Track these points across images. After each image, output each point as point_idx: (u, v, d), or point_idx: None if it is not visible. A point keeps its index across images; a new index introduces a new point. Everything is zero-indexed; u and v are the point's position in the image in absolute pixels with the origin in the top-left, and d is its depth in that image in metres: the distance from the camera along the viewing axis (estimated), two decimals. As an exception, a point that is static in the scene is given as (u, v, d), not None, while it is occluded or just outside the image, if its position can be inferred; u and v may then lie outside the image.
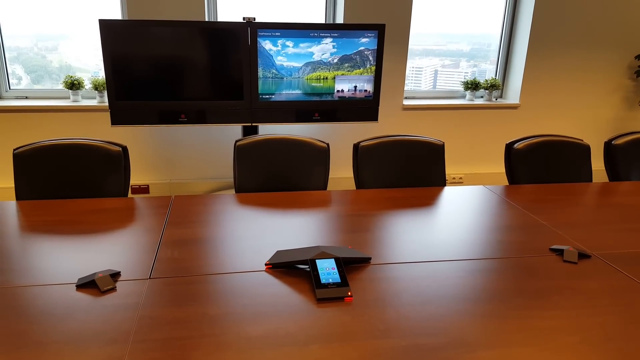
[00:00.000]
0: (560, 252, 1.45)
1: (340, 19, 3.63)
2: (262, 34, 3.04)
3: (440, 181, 2.19)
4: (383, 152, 2.16)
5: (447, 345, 1.02)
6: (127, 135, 3.61)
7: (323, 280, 1.22)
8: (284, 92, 3.18)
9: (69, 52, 3.59)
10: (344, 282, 1.22)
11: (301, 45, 3.11)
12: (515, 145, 2.26)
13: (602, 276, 1.32)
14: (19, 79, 3.55)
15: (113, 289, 1.19)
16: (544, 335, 1.07)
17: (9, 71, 3.51)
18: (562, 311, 1.15)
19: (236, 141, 2.07)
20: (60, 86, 3.61)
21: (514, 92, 4.12)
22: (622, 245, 1.52)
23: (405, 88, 4.06)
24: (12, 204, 1.71)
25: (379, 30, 3.16)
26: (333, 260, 1.29)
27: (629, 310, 1.17)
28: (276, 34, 3.06)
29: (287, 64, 3.13)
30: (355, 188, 2.12)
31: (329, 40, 3.13)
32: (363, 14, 3.59)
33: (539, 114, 4.16)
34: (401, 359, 0.98)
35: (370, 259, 1.38)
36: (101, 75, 3.63)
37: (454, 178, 4.19)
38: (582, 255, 1.44)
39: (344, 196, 1.89)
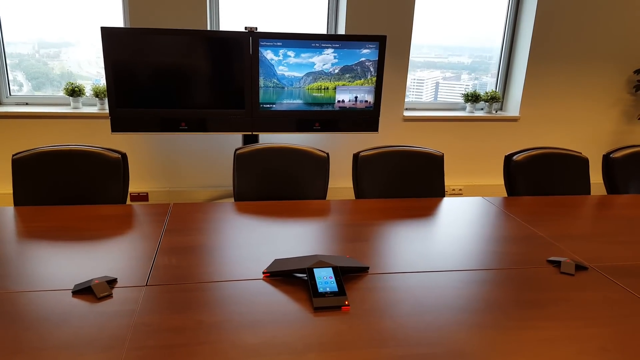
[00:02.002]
0: (557, 264, 1.45)
1: (341, 30, 3.66)
2: (263, 43, 3.06)
3: (439, 192, 2.20)
4: (383, 162, 2.16)
5: (444, 355, 1.02)
6: (127, 143, 3.62)
7: (320, 289, 1.22)
8: (284, 101, 3.20)
9: (71, 60, 3.61)
10: (341, 292, 1.22)
11: (302, 55, 3.13)
12: (514, 157, 2.26)
13: (599, 288, 1.32)
14: (20, 85, 3.57)
15: (109, 296, 1.18)
16: (540, 346, 1.06)
17: (10, 78, 3.53)
18: (558, 322, 1.15)
19: (236, 150, 2.07)
20: (61, 93, 3.63)
21: (513, 105, 4.14)
22: (619, 257, 1.52)
23: (407, 99, 4.08)
24: (10, 210, 1.71)
25: (380, 41, 3.19)
26: (331, 269, 1.29)
27: (626, 322, 1.16)
28: (278, 44, 3.08)
29: (288, 73, 3.15)
30: (354, 198, 2.13)
31: (330, 50, 3.16)
32: (364, 25, 3.62)
33: (539, 126, 4.17)
34: (398, 369, 0.97)
35: (368, 268, 1.37)
36: (102, 82, 3.65)
37: (453, 189, 4.19)
38: (580, 267, 1.43)
39: (343, 206, 1.89)
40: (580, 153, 2.33)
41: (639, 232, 1.73)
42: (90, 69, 3.66)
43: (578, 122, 4.23)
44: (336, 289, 1.22)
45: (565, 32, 3.93)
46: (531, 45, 3.90)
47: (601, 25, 3.96)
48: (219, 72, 3.06)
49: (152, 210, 1.75)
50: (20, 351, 0.98)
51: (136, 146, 3.64)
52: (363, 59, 3.21)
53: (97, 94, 3.50)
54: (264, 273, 1.33)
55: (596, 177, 4.29)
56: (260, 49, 3.07)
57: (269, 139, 3.74)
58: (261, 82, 3.13)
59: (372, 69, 3.24)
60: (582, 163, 2.31)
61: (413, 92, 4.13)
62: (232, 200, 3.64)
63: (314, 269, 1.28)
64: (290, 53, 3.11)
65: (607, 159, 2.40)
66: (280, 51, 3.10)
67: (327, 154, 2.14)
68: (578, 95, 4.14)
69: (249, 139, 3.40)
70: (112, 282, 1.24)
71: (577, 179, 2.30)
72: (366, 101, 3.29)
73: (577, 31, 3.94)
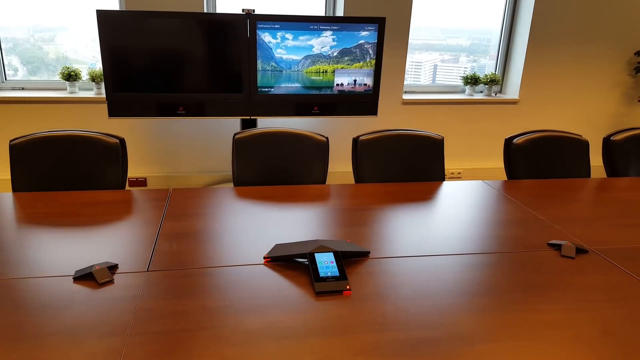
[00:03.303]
0: (558, 247, 1.45)
1: (340, 12, 3.61)
2: (261, 26, 3.02)
3: (439, 176, 2.19)
4: (382, 146, 2.15)
5: (444, 339, 1.02)
6: (125, 127, 3.59)
7: (322, 274, 1.22)
8: (283, 85, 3.17)
9: (66, 44, 3.56)
10: (342, 276, 1.22)
11: (301, 38, 3.09)
12: (515, 141, 2.25)
13: (599, 271, 1.33)
14: (15, 70, 3.53)
15: (111, 282, 1.18)
16: (541, 329, 1.07)
17: (5, 62, 3.48)
18: (559, 305, 1.16)
19: (235, 134, 2.06)
20: (57, 77, 3.59)
21: (513, 88, 4.11)
22: (619, 240, 1.52)
23: (405, 82, 4.05)
24: (8, 196, 1.70)
25: (379, 23, 3.14)
26: (332, 254, 1.29)
27: (626, 304, 1.17)
28: (275, 26, 3.04)
29: (286, 56, 3.12)
30: (354, 182, 2.12)
31: (328, 33, 3.12)
32: (363, 7, 3.57)
33: (538, 109, 4.15)
34: (399, 352, 0.98)
35: (368, 252, 1.38)
36: (98, 67, 3.61)
37: (452, 173, 4.19)
38: (580, 250, 1.44)
39: (343, 190, 1.88)
40: (580, 136, 2.32)
41: (639, 214, 1.73)
42: (86, 53, 3.61)
43: (578, 104, 4.21)
44: (337, 274, 1.23)
45: (566, 13, 3.88)
46: (531, 27, 3.86)
47: (601, 6, 3.91)
48: (216, 55, 3.03)
49: (151, 195, 1.75)
50: (23, 337, 0.98)
51: (134, 131, 3.61)
52: (362, 41, 3.17)
53: (93, 78, 3.46)
54: (264, 258, 1.33)
55: (596, 159, 4.29)
56: (257, 31, 3.02)
57: (267, 123, 3.71)
58: (259, 66, 3.09)
59: (371, 52, 3.20)
60: (582, 146, 2.31)
61: (411, 74, 4.10)
62: (232, 185, 3.63)
63: (315, 254, 1.28)
64: (289, 35, 3.07)
65: (607, 142, 2.39)
66: (278, 34, 3.05)
67: (327, 138, 2.12)
68: (578, 78, 4.11)
69: (247, 124, 3.38)
70: (113, 268, 1.24)
71: (578, 161, 2.30)
72: (365, 84, 3.27)
73: (578, 13, 3.90)
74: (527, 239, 1.51)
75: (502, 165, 4.29)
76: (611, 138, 2.37)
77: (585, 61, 4.06)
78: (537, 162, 2.26)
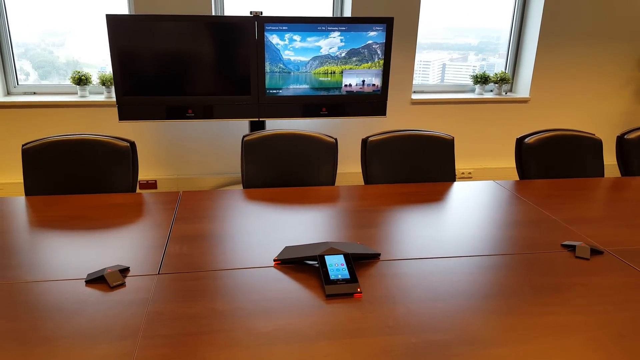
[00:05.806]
0: (572, 248, 1.43)
1: (347, 13, 3.61)
2: (269, 28, 3.02)
3: (449, 176, 2.17)
4: (392, 147, 2.14)
5: (457, 342, 1.01)
6: (135, 131, 3.62)
7: (332, 276, 1.21)
8: (291, 86, 3.17)
9: (76, 48, 3.59)
10: (353, 278, 1.21)
11: (309, 39, 3.09)
12: (526, 140, 2.23)
13: (614, 272, 1.30)
14: (27, 74, 3.57)
15: (122, 285, 1.19)
16: (555, 332, 1.05)
17: (17, 67, 3.52)
18: (574, 308, 1.14)
19: (244, 136, 2.06)
20: (68, 82, 3.62)
21: (524, 86, 4.07)
22: (635, 241, 1.49)
23: (414, 82, 4.03)
24: (21, 200, 1.72)
25: (387, 23, 3.13)
26: (342, 256, 1.28)
27: (644, 307, 1.15)
28: (283, 28, 3.04)
29: (294, 58, 3.11)
30: (363, 183, 2.11)
31: (336, 34, 3.11)
32: (371, 7, 3.56)
33: (550, 108, 4.11)
34: (411, 355, 0.97)
35: (379, 255, 1.37)
36: (108, 70, 3.64)
37: (462, 173, 4.16)
38: (595, 251, 1.42)
39: (352, 192, 1.87)
40: (593, 134, 2.29)
41: (654, 214, 1.71)
42: (96, 56, 3.64)
43: (590, 102, 4.16)
44: (348, 276, 1.22)
45: (576, 10, 3.84)
46: (541, 24, 3.82)
47: (612, 3, 3.86)
48: (224, 57, 3.03)
49: (162, 198, 1.75)
50: (35, 340, 0.98)
51: (143, 134, 3.64)
52: (370, 41, 3.16)
53: (103, 82, 3.49)
54: (275, 260, 1.32)
55: (610, 158, 4.23)
56: (265, 33, 3.03)
57: (275, 125, 3.72)
58: (267, 67, 3.10)
59: (379, 52, 3.19)
60: (595, 145, 2.27)
61: (419, 74, 4.08)
62: (241, 187, 3.64)
63: (325, 256, 1.28)
64: (296, 37, 3.07)
65: (621, 140, 2.35)
66: (286, 35, 3.05)
67: (336, 139, 2.11)
68: (590, 76, 4.06)
69: (256, 125, 3.38)
70: (124, 271, 1.24)
71: (591, 160, 2.27)
72: (373, 85, 3.25)
73: (589, 9, 3.85)
74: (540, 240, 1.49)
75: (514, 165, 4.25)
76: (625, 136, 2.34)
77: (597, 59, 4.01)
78: (549, 161, 2.24)
